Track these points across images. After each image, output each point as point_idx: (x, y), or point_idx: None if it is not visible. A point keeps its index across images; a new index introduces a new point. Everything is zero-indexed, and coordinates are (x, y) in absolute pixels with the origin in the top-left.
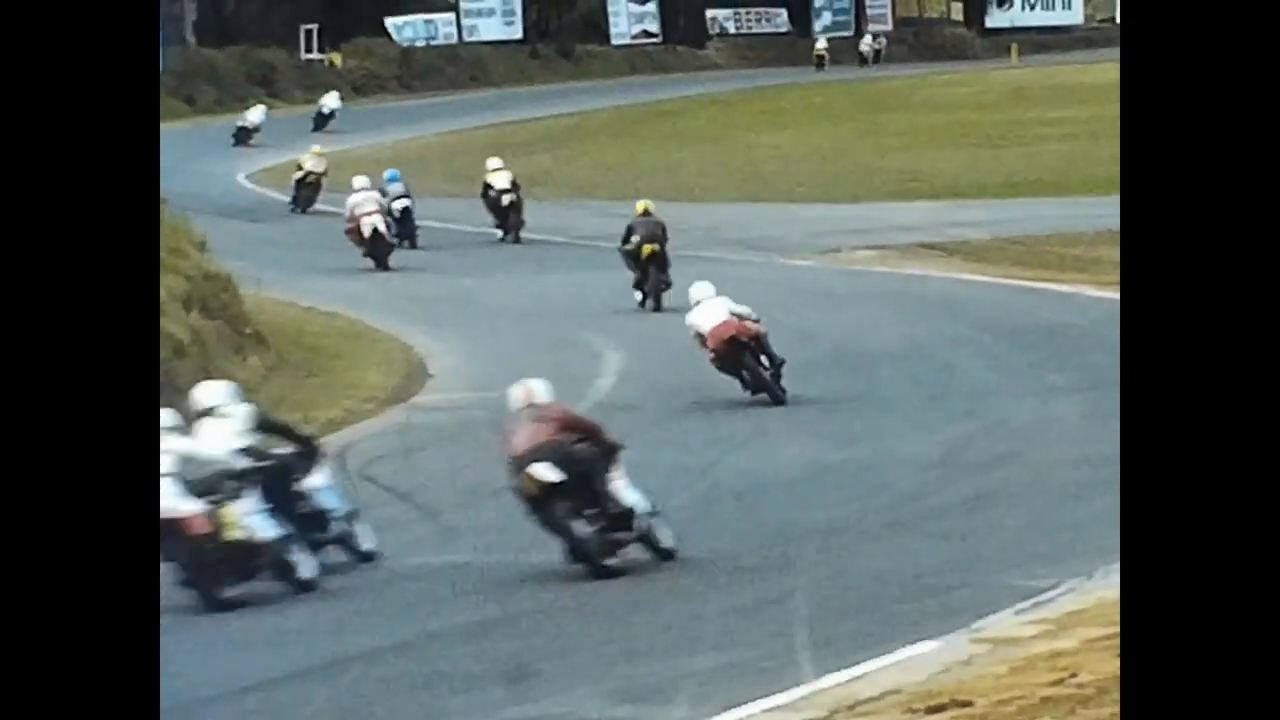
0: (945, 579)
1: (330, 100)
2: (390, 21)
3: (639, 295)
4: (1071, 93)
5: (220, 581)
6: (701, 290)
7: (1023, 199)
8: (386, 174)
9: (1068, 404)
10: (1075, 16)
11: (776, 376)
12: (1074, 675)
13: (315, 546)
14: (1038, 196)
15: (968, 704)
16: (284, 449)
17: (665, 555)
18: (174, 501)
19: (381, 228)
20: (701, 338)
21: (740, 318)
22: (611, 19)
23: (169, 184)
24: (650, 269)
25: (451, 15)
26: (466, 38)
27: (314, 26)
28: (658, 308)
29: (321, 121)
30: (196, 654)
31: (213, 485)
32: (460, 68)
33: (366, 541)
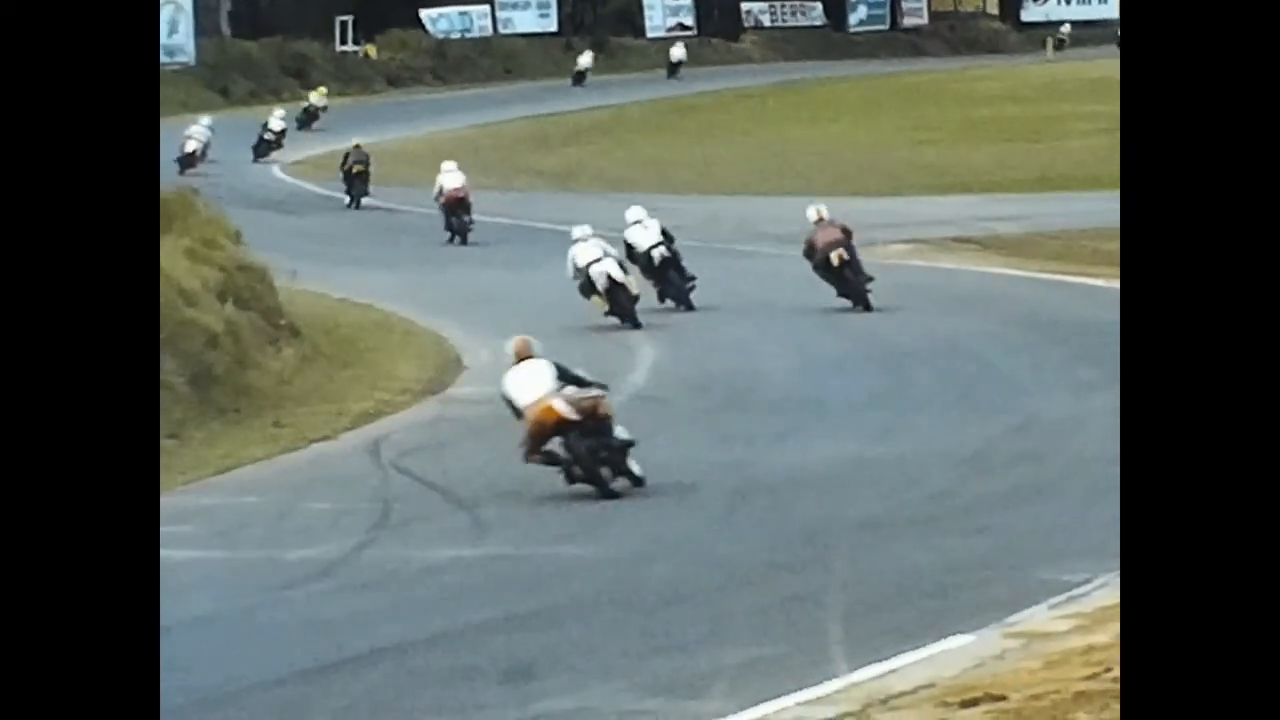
0: (978, 573)
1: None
2: (425, 14)
3: (347, 200)
4: (1106, 87)
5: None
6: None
7: (1057, 193)
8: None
9: (1101, 399)
10: (1111, 10)
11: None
12: (1108, 670)
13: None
14: (1072, 191)
15: (1001, 698)
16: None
17: (870, 308)
18: (619, 271)
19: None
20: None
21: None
22: (646, 12)
23: (201, 174)
24: (356, 181)
25: (486, 7)
26: (501, 30)
27: (349, 18)
28: (358, 207)
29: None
30: (231, 646)
31: (641, 261)
32: (495, 60)
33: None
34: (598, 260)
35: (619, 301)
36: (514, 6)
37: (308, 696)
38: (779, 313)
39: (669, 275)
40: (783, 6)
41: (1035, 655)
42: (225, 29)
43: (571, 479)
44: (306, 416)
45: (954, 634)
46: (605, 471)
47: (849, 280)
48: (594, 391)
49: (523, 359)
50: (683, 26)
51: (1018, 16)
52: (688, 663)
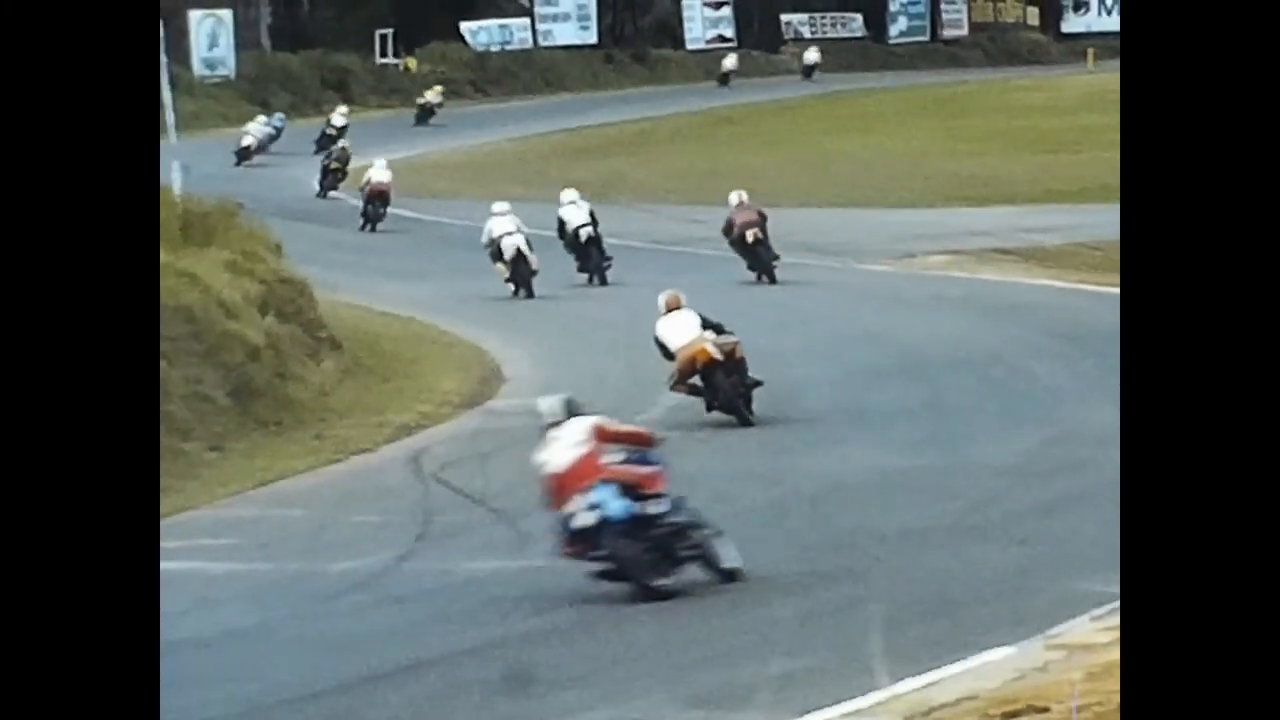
0: (1020, 585)
1: None
2: (465, 26)
3: (317, 189)
4: None
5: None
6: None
7: (1098, 205)
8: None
9: None
10: None
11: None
12: None
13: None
14: (1113, 202)
15: (1044, 710)
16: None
17: (774, 281)
18: (525, 246)
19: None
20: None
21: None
22: (686, 24)
23: (245, 187)
24: (329, 175)
25: (526, 20)
26: (541, 42)
27: (389, 31)
28: (324, 196)
29: None
30: (272, 658)
31: (569, 237)
32: (535, 72)
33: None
34: (510, 234)
35: (520, 271)
36: (554, 19)
37: (350, 708)
38: (818, 323)
39: (590, 252)
40: (823, 18)
41: (1077, 667)
42: (265, 42)
43: (710, 408)
44: (347, 429)
45: (996, 645)
46: (740, 404)
47: (760, 256)
48: (733, 338)
49: (672, 309)
50: (722, 38)
51: (1058, 28)
52: (729, 674)
